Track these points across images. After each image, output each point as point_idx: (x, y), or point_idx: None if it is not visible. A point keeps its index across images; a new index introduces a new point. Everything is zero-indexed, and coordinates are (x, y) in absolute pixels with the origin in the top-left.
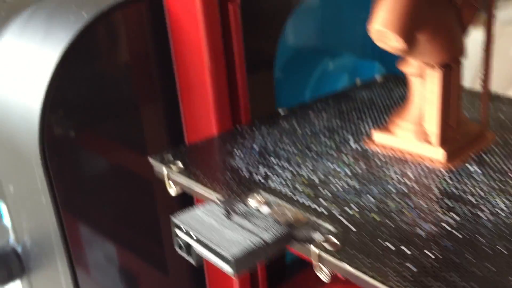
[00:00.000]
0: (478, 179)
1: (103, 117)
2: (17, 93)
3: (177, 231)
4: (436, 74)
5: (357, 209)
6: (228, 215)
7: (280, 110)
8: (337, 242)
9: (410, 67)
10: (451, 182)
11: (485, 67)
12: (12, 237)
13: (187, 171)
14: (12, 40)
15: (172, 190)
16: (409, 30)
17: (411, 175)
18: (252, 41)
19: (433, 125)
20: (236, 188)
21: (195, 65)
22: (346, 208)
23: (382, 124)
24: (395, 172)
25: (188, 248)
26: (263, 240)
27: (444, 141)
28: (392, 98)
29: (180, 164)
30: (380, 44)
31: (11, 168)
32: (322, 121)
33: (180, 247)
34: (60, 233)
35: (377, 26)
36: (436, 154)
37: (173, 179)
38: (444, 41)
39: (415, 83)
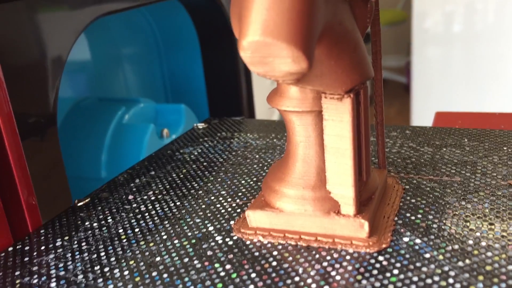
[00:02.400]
0: (430, 256)
1: None
2: None
3: None
4: (344, 106)
5: None
6: None
7: (80, 202)
8: None
9: (292, 102)
10: (403, 276)
11: (378, 103)
12: None
13: None
14: None
15: None
16: (310, 39)
17: (337, 277)
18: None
19: (343, 186)
20: None
21: None
22: None
23: (252, 196)
24: (310, 276)
25: None
26: None
27: (362, 205)
28: (233, 150)
29: None
30: (257, 68)
31: None
32: (150, 205)
33: None
34: None
35: (259, 37)
36: (355, 230)
37: None
38: (351, 56)
39: (303, 126)
